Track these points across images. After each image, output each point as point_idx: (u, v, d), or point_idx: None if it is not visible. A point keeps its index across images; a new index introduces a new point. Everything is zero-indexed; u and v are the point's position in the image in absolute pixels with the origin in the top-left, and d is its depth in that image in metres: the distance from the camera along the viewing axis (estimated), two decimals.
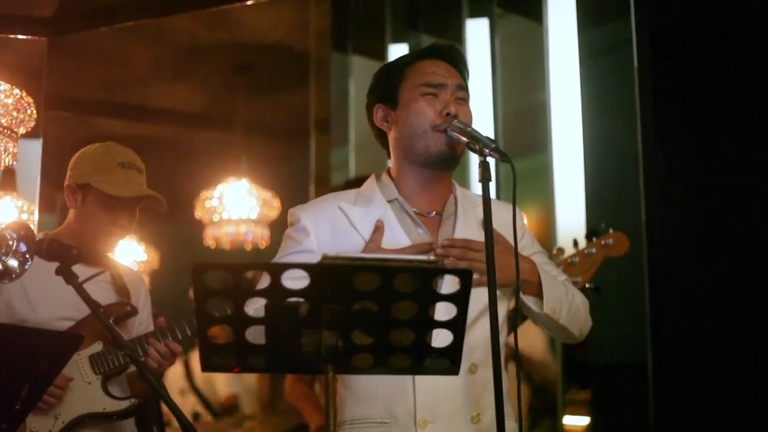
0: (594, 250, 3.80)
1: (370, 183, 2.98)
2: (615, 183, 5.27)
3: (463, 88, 2.94)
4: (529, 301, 2.86)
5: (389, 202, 2.91)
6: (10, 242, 2.85)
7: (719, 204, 4.52)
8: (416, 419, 2.74)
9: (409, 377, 2.73)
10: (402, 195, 2.92)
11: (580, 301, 2.98)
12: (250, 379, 8.35)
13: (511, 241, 2.72)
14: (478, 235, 2.83)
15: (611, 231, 3.83)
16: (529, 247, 2.99)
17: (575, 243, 3.94)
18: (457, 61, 2.99)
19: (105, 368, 3.52)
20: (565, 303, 2.90)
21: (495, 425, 2.63)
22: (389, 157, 3.02)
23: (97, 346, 3.53)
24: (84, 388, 3.48)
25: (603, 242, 3.85)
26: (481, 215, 2.84)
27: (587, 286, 3.87)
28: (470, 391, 2.79)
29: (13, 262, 2.85)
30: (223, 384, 8.32)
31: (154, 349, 3.46)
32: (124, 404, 3.53)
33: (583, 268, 3.88)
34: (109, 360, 3.52)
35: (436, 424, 2.74)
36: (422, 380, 2.73)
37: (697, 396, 4.43)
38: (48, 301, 3.45)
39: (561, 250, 3.95)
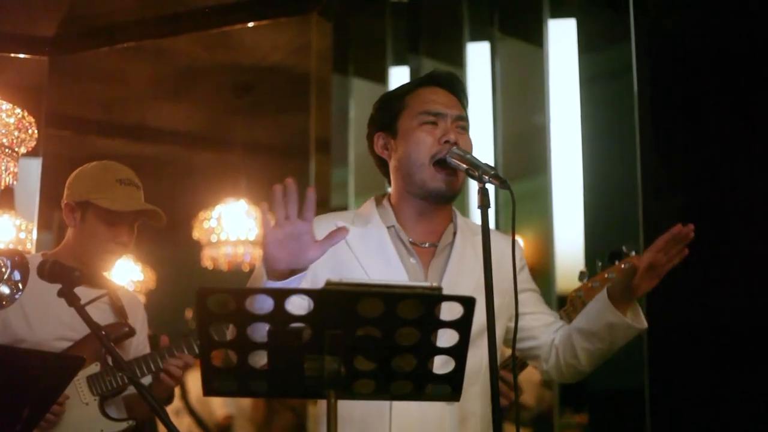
0: (615, 275, 3.77)
1: (370, 205, 2.99)
2: (614, 206, 5.27)
3: (463, 117, 2.94)
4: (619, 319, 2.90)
5: (387, 228, 2.91)
6: (3, 269, 2.84)
7: (718, 227, 4.53)
8: None
9: (386, 403, 2.73)
10: (399, 222, 2.92)
11: None
12: (246, 400, 8.34)
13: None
14: (474, 265, 2.85)
15: (633, 254, 3.82)
16: (525, 282, 2.99)
17: (597, 266, 3.92)
18: (456, 90, 2.99)
19: (102, 389, 3.51)
20: None
21: None
22: (389, 185, 3.03)
23: (94, 367, 3.52)
24: (82, 409, 3.47)
25: (624, 266, 3.80)
26: (480, 246, 2.86)
27: None
28: (449, 420, 2.79)
29: (4, 289, 2.84)
30: (218, 405, 8.32)
31: (172, 365, 3.47)
32: (121, 426, 3.53)
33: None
34: (106, 381, 3.52)
35: None
36: (399, 405, 2.73)
37: (694, 421, 4.43)
38: (46, 321, 3.45)
39: (584, 274, 3.93)
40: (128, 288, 4.03)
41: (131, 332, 3.63)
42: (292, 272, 2.51)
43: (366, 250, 2.84)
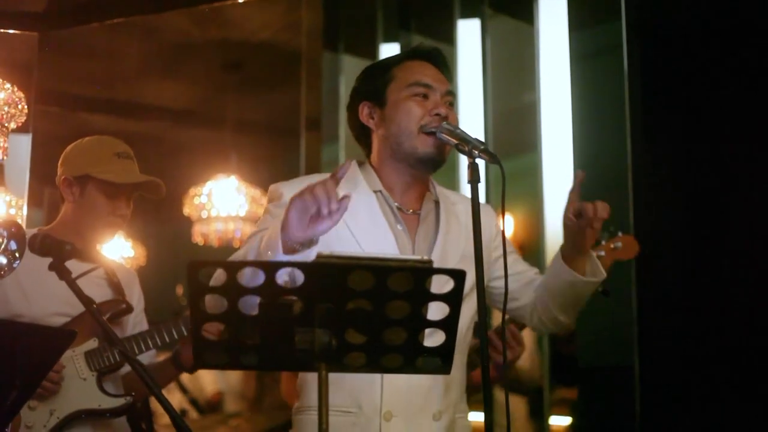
0: (603, 253, 3.83)
1: (353, 169, 2.98)
2: (604, 184, 5.27)
3: (451, 93, 2.97)
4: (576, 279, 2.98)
5: (374, 192, 2.93)
6: (0, 240, 2.85)
7: (708, 206, 4.54)
8: (382, 412, 2.78)
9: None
10: (385, 188, 2.94)
11: None
12: (236, 376, 8.36)
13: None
14: (458, 233, 2.90)
15: (620, 234, 3.86)
16: (501, 247, 3.00)
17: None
18: (442, 66, 3.02)
19: (100, 365, 3.51)
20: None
21: (456, 422, 2.84)
22: (368, 156, 3.03)
23: (92, 343, 3.52)
24: (79, 385, 3.47)
25: (612, 245, 3.86)
26: (460, 214, 2.95)
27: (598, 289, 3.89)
28: (435, 388, 2.84)
29: (2, 260, 2.84)
30: (208, 381, 8.33)
31: None
32: (119, 401, 3.52)
33: None
34: (104, 357, 3.51)
35: (399, 418, 2.79)
36: (390, 374, 2.75)
37: (683, 399, 4.45)
38: (43, 297, 3.44)
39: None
40: (121, 264, 4.01)
41: (129, 309, 3.63)
42: (303, 245, 2.50)
43: (356, 215, 2.83)
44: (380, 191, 2.93)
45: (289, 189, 2.83)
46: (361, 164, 3.01)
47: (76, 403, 3.45)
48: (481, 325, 2.60)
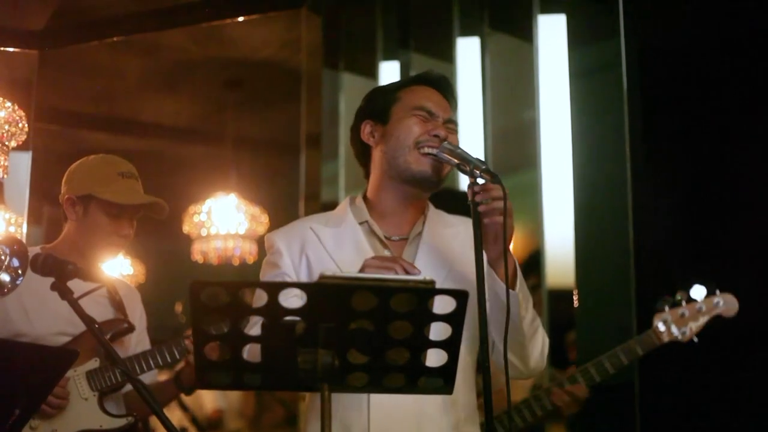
0: (704, 308, 4.05)
1: (344, 206, 3.02)
2: (603, 201, 5.29)
3: (453, 121, 2.97)
4: (498, 285, 2.73)
5: (360, 224, 2.94)
6: (2, 257, 2.85)
7: (707, 223, 4.55)
8: None
9: (364, 397, 2.74)
10: (372, 217, 2.94)
11: (541, 329, 2.92)
12: (236, 395, 8.35)
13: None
14: (443, 257, 2.86)
15: (718, 292, 4.04)
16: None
17: (685, 297, 4.11)
18: (448, 93, 3.03)
19: (101, 385, 3.50)
20: (531, 310, 2.85)
21: None
22: (366, 177, 3.04)
23: (93, 363, 3.52)
24: (81, 405, 3.47)
25: (714, 301, 4.07)
26: (453, 238, 2.92)
27: (694, 339, 4.09)
28: (425, 412, 2.78)
29: (4, 277, 2.85)
30: (208, 399, 8.32)
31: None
32: (120, 422, 3.52)
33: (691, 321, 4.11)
34: (105, 377, 3.51)
35: None
36: (377, 400, 2.74)
37: (683, 417, 4.45)
38: (45, 316, 3.44)
39: (669, 298, 4.15)
40: (121, 280, 4.01)
41: (130, 328, 3.63)
42: None
43: (340, 248, 2.87)
44: (366, 222, 2.94)
45: (278, 236, 2.94)
46: (353, 200, 3.02)
47: (78, 423, 3.45)
48: (482, 342, 2.60)
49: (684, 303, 4.11)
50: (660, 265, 4.45)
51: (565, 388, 4.15)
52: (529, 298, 2.87)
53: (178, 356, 3.57)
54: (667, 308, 4.12)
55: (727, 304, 4.08)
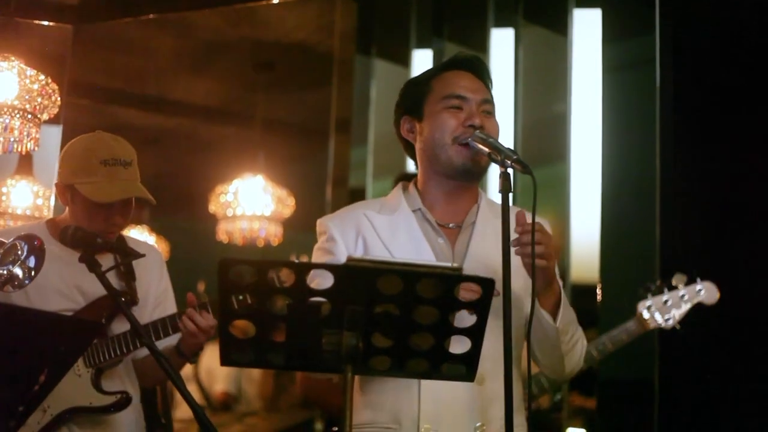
0: (686, 296, 4.17)
1: (397, 193, 3.01)
2: (631, 196, 5.28)
3: (488, 101, 2.95)
4: (543, 314, 2.79)
5: (413, 211, 2.93)
6: (20, 252, 2.83)
7: (735, 220, 4.54)
8: (420, 427, 2.75)
9: (415, 385, 2.74)
10: (425, 205, 2.94)
11: (581, 338, 2.94)
12: (252, 375, 8.36)
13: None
14: (495, 247, 2.82)
15: (699, 280, 4.09)
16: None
17: (667, 285, 4.15)
18: (481, 73, 3.00)
19: (97, 361, 3.44)
20: (572, 329, 2.87)
21: None
22: (417, 167, 3.04)
23: None
24: (73, 382, 3.41)
25: (696, 288, 4.19)
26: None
27: (677, 327, 4.19)
28: (476, 401, 2.79)
29: (18, 272, 2.83)
30: (220, 379, 8.33)
31: (192, 321, 3.37)
32: (110, 399, 3.44)
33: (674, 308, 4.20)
34: (100, 353, 3.44)
35: None
36: (427, 388, 2.74)
37: (702, 413, 4.44)
38: (44, 294, 3.39)
39: (650, 286, 4.20)
40: (148, 245, 3.93)
41: (133, 301, 3.54)
42: None
43: (393, 236, 2.87)
44: (419, 209, 2.94)
45: (332, 222, 2.93)
46: (405, 187, 3.02)
47: (68, 400, 3.39)
48: (506, 332, 2.60)
49: (666, 290, 4.13)
50: (685, 263, 4.44)
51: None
52: (572, 321, 2.88)
53: (171, 331, 3.48)
54: (649, 295, 4.15)
55: (708, 291, 4.18)
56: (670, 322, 4.15)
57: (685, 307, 4.17)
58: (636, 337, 4.19)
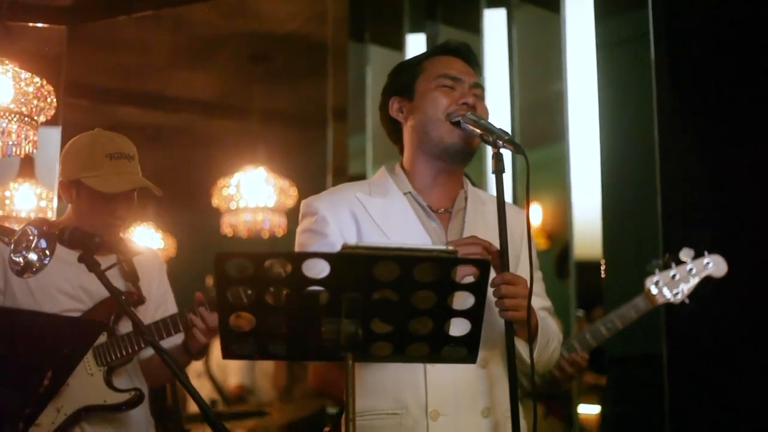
0: (694, 269, 4.14)
1: (383, 174, 3.00)
2: (631, 174, 5.28)
3: (479, 85, 2.96)
4: (519, 344, 2.74)
5: (404, 194, 2.93)
6: (31, 237, 2.88)
7: (736, 196, 4.53)
8: (428, 411, 2.75)
9: (420, 370, 2.74)
10: (415, 188, 2.94)
11: (555, 347, 2.95)
12: (265, 366, 8.40)
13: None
14: (485, 234, 2.80)
15: (706, 253, 4.09)
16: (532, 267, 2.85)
17: (675, 259, 4.15)
18: (471, 60, 3.02)
19: (108, 359, 3.47)
20: (545, 353, 2.86)
21: (507, 419, 2.70)
22: (401, 153, 3.04)
23: (101, 338, 3.49)
24: (86, 380, 3.44)
25: (704, 262, 4.17)
26: (490, 215, 2.88)
27: (686, 301, 4.17)
28: (481, 384, 2.80)
29: (32, 256, 2.88)
30: (233, 373, 8.37)
31: (199, 318, 3.39)
32: (123, 396, 3.48)
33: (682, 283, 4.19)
34: (112, 351, 3.47)
35: (448, 416, 2.75)
36: (433, 373, 2.74)
37: (711, 387, 4.45)
38: (50, 295, 3.42)
39: (657, 261, 4.21)
40: (148, 248, 3.95)
41: (140, 300, 3.57)
42: None
43: (389, 219, 2.86)
44: (410, 192, 2.93)
45: (322, 203, 2.89)
46: (391, 169, 3.01)
47: (82, 399, 3.42)
48: (507, 322, 2.61)
49: (674, 265, 4.13)
50: (688, 236, 4.44)
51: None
52: (553, 336, 2.90)
53: (173, 330, 3.50)
54: (657, 271, 4.15)
55: (716, 264, 4.16)
56: (679, 296, 4.15)
57: (694, 281, 4.16)
58: (644, 313, 4.19)
